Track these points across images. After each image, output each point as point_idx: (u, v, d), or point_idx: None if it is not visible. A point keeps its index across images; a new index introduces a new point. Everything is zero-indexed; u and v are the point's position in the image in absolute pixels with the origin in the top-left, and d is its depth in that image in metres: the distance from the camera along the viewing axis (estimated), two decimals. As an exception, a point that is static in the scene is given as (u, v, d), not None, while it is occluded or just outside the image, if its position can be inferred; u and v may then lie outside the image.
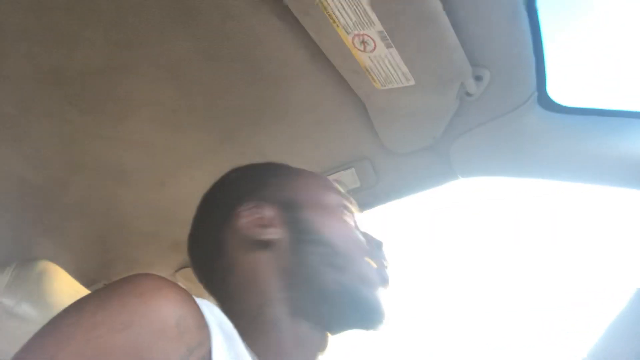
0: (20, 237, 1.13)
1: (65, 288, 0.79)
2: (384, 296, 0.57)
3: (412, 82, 0.70)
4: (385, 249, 0.62)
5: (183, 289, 0.42)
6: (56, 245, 1.18)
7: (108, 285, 0.40)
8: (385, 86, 0.72)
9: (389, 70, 0.68)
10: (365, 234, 0.63)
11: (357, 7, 0.59)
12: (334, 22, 0.62)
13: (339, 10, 0.60)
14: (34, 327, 0.70)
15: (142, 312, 0.36)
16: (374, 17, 0.60)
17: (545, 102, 0.76)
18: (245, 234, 0.56)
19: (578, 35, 0.78)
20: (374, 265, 0.58)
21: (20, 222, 1.08)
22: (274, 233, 0.56)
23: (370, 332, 0.57)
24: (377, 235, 0.63)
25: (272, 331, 0.52)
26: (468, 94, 0.75)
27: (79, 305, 0.38)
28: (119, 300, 0.37)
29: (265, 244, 0.56)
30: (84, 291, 0.85)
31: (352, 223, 0.62)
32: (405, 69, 0.67)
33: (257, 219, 0.57)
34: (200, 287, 1.20)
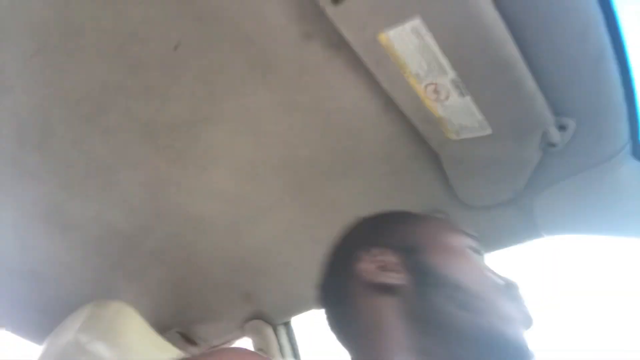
0: (102, 280, 1.20)
1: (138, 330, 0.81)
2: (527, 336, 0.54)
3: (488, 132, 0.67)
4: (521, 289, 0.59)
5: None
6: (134, 289, 1.24)
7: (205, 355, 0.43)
8: (459, 136, 0.70)
9: (464, 120, 0.67)
10: (498, 275, 0.60)
11: (429, 55, 0.59)
12: (405, 71, 0.63)
13: (410, 59, 0.60)
14: (105, 365, 0.73)
15: None
16: (446, 65, 0.59)
17: (640, 154, 0.70)
18: (366, 279, 0.56)
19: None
20: (513, 305, 0.55)
21: (104, 265, 1.16)
22: (397, 278, 0.55)
23: None
24: (510, 277, 0.60)
25: None
26: (551, 145, 0.70)
27: None
28: None
29: (390, 289, 0.54)
30: (154, 334, 0.87)
31: (481, 263, 0.60)
32: (480, 117, 0.65)
33: (379, 264, 0.56)
34: (266, 340, 1.19)
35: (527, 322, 0.55)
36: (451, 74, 0.61)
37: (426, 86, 0.64)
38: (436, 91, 0.64)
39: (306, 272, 1.07)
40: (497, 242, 0.86)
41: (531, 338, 0.55)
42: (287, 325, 1.20)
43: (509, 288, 0.58)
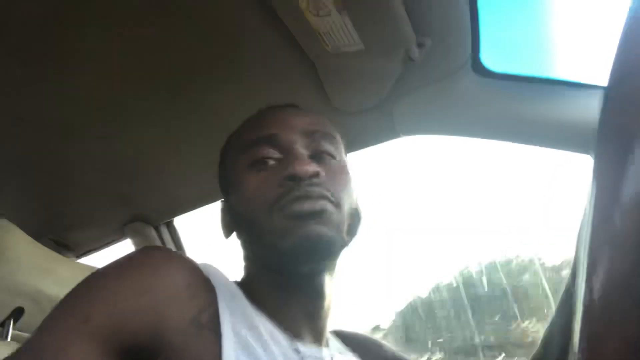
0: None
1: (22, 242, 0.79)
2: (308, 218, 0.50)
3: (361, 47, 0.74)
4: (295, 166, 0.52)
5: (191, 259, 0.49)
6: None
7: (125, 256, 0.48)
8: (335, 49, 0.76)
9: (341, 35, 0.72)
10: (279, 164, 0.55)
11: (312, -27, 0.61)
12: (290, -15, 0.64)
13: (294, -25, 0.62)
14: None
15: (158, 280, 0.45)
16: (328, -17, 0.63)
17: (479, 68, 0.84)
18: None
19: (513, 5, 0.85)
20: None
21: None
22: (230, 229, 0.60)
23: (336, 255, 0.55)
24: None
25: (268, 293, 0.53)
26: (411, 59, 0.80)
27: (105, 273, 0.46)
28: (139, 269, 0.46)
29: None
30: (38, 245, 0.85)
31: (258, 172, 0.55)
32: (355, 34, 0.71)
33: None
34: (148, 240, 1.22)
35: (299, 210, 0.50)
36: (332, -9, 0.64)
37: (309, 1, 0.67)
38: (318, 6, 0.68)
39: (186, 176, 1.10)
40: (364, 142, 0.98)
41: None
42: (169, 224, 1.24)
43: (284, 175, 0.52)
